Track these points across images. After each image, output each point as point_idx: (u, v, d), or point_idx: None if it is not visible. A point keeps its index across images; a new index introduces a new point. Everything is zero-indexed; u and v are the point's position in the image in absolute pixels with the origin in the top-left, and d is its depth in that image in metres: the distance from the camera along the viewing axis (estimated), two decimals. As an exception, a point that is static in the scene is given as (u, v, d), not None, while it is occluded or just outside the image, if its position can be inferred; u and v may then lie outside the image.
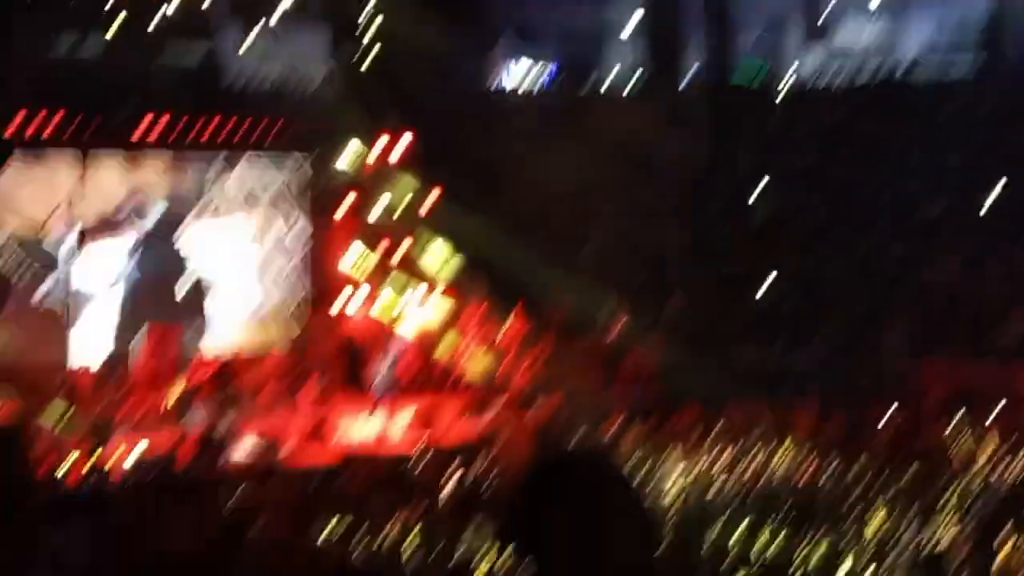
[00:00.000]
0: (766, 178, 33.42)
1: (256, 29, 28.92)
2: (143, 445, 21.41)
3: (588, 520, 2.50)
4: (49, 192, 25.23)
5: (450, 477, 19.69)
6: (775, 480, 19.87)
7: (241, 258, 28.90)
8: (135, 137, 25.91)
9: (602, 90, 40.38)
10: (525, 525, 2.56)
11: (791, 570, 14.32)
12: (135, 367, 24.44)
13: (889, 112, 34.41)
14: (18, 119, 22.25)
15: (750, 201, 33.27)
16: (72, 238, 25.66)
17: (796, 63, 43.18)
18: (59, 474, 19.38)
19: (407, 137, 29.31)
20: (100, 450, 20.35)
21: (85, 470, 19.66)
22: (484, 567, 14.98)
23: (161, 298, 27.21)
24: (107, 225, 26.68)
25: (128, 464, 20.34)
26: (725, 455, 21.76)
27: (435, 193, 29.70)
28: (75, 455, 20.15)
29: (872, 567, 14.78)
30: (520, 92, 39.38)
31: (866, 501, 18.16)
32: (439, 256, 29.87)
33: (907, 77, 37.37)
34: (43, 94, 23.04)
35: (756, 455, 21.65)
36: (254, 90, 30.50)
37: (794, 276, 30.82)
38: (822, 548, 15.44)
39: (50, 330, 21.95)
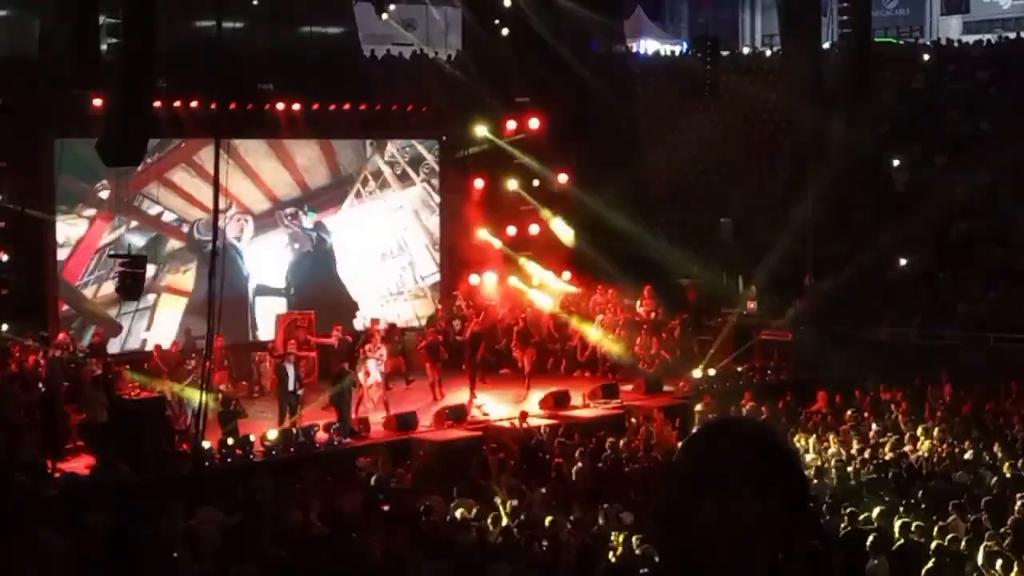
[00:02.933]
0: (906, 147, 32.94)
1: (392, 8, 29.21)
2: (281, 421, 21.87)
3: (758, 489, 2.51)
4: (196, 178, 25.88)
5: (584, 454, 19.79)
6: (912, 461, 19.64)
7: (378, 240, 29.20)
8: (271, 124, 26.39)
9: (738, 59, 40.16)
10: (691, 493, 2.55)
11: (929, 551, 14.15)
12: (268, 350, 24.87)
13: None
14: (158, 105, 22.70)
15: (889, 171, 32.78)
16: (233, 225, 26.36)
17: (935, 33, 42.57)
18: (203, 446, 19.87)
19: (538, 118, 29.31)
20: (238, 424, 20.80)
21: (228, 443, 20.11)
22: (620, 542, 15.05)
23: (297, 284, 27.83)
24: (262, 215, 27.33)
25: (269, 438, 20.76)
26: (861, 435, 21.57)
27: (565, 173, 29.69)
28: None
29: (1011, 551, 14.53)
30: (654, 63, 39.25)
31: (1006, 483, 17.87)
32: (570, 236, 29.88)
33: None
34: (180, 79, 23.52)
35: (892, 436, 21.42)
36: (390, 73, 30.82)
37: (933, 249, 30.23)
38: (960, 530, 15.23)
39: (199, 313, 22.65)
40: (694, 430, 2.70)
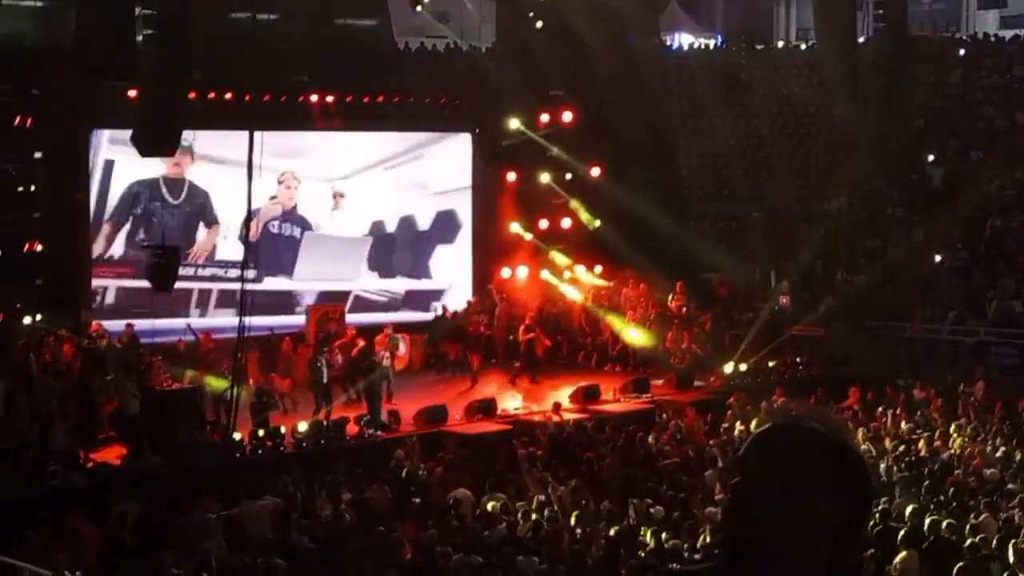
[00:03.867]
0: (941, 142, 32.70)
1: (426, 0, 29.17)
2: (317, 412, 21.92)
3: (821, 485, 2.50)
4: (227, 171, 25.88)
5: (613, 448, 19.77)
6: (944, 458, 19.53)
7: (410, 232, 29.16)
8: (305, 116, 26.41)
9: (772, 53, 39.97)
10: (754, 488, 2.53)
11: (960, 549, 14.08)
12: (298, 341, 24.89)
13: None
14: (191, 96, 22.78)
15: (924, 166, 32.56)
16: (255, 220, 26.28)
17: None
18: (234, 438, 19.93)
19: (571, 111, 29.21)
20: (269, 416, 20.82)
21: (259, 435, 20.14)
22: (650, 536, 15.05)
23: (327, 275, 27.87)
24: (283, 208, 27.36)
25: (300, 430, 20.77)
26: (892, 431, 21.46)
27: (598, 166, 29.58)
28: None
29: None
30: (688, 57, 39.04)
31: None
32: (602, 229, 29.76)
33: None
34: (215, 70, 23.57)
35: (924, 432, 21.30)
36: (423, 65, 30.83)
37: (968, 244, 30.00)
38: (991, 529, 15.15)
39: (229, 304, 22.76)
40: (765, 424, 2.67)
